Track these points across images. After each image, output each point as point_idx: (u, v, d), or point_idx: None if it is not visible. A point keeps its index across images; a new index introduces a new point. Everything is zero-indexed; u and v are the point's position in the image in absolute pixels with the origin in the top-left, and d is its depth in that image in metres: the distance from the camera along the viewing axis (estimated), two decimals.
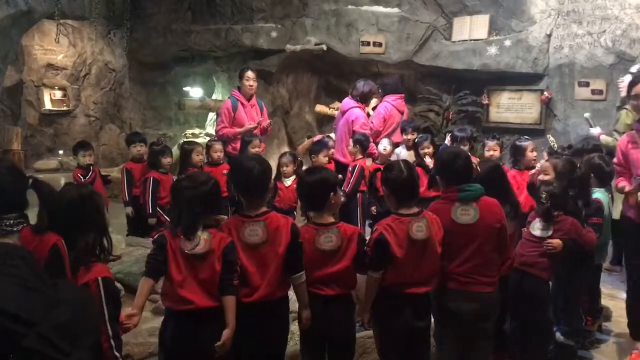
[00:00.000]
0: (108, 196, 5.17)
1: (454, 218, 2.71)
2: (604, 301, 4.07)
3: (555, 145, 4.70)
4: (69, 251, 1.94)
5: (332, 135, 6.05)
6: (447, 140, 5.19)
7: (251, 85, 5.66)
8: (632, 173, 3.52)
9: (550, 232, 3.16)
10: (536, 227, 3.21)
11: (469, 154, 3.33)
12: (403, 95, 6.09)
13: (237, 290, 2.35)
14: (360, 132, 5.37)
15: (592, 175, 3.62)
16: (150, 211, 4.77)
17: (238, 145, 5.39)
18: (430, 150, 4.97)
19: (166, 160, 4.87)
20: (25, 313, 0.94)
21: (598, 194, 3.63)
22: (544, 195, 3.20)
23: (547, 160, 3.85)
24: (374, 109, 6.10)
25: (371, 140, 5.38)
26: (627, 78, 5.14)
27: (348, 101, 5.78)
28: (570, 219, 3.21)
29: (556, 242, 3.12)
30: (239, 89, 5.73)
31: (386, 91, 6.00)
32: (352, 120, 5.54)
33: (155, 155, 4.92)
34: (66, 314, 1.00)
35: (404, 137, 5.48)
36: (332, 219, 2.64)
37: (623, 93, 5.20)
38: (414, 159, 5.07)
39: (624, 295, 3.92)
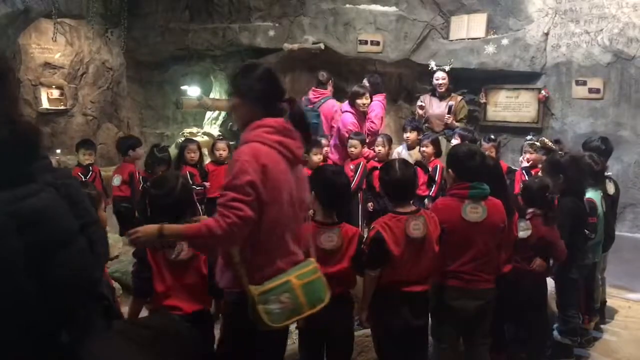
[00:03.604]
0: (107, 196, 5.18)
1: (463, 215, 2.70)
2: None
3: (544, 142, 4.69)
4: None
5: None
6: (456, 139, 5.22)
7: None
8: None
9: (529, 232, 3.12)
10: (520, 229, 3.13)
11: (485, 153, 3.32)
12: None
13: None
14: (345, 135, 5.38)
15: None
16: None
17: None
18: (430, 149, 4.95)
19: (158, 171, 4.91)
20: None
21: (590, 193, 3.63)
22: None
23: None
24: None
25: (367, 140, 5.39)
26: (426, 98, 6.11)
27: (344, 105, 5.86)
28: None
29: (539, 262, 3.14)
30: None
31: (378, 90, 6.01)
32: (339, 126, 5.63)
33: (151, 159, 4.96)
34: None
35: (404, 135, 5.48)
36: (335, 219, 2.65)
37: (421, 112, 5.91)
38: (415, 157, 5.08)
39: (620, 294, 3.94)
